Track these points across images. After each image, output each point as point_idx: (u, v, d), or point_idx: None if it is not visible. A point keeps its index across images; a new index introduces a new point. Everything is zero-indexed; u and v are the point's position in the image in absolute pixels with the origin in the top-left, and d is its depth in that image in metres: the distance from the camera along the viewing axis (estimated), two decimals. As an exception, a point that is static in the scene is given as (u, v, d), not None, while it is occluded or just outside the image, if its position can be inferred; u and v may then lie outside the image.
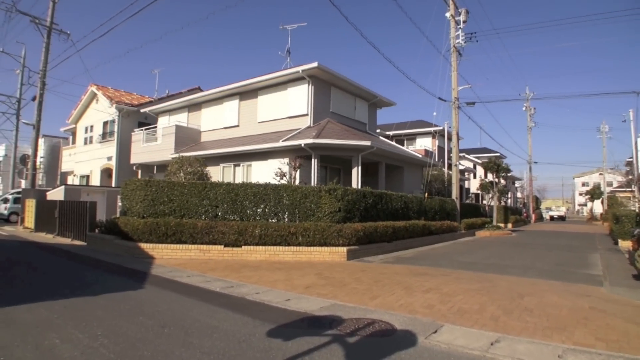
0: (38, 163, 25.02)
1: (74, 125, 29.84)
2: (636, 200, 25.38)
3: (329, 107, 17.70)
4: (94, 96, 26.82)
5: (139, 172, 22.65)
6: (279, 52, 23.90)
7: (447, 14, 20.75)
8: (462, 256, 11.72)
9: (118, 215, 14.05)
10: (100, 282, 7.06)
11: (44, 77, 18.98)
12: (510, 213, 31.16)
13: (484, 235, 19.93)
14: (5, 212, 23.16)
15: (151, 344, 3.90)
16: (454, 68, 20.82)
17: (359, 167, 15.43)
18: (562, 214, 56.19)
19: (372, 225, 11.38)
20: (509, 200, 44.25)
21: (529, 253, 12.80)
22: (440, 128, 28.29)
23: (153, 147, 21.14)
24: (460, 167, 25.64)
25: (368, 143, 14.81)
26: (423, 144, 30.70)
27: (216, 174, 17.46)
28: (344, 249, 10.14)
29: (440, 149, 29.59)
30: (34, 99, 20.74)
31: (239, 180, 16.84)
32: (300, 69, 16.15)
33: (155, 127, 22.49)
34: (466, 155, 42.69)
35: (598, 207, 52.83)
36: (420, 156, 21.77)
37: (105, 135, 25.52)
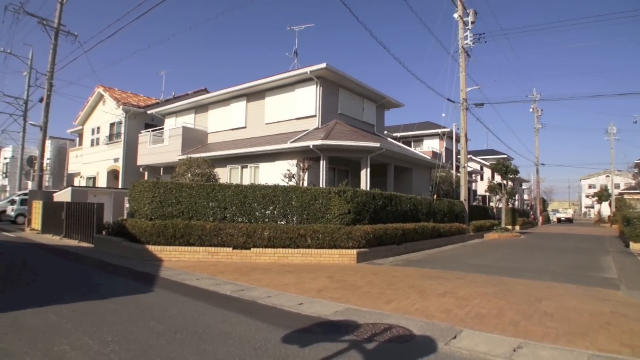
0: (45, 164, 25.09)
1: (80, 127, 29.89)
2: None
3: (337, 108, 17.58)
4: (100, 98, 26.86)
5: (146, 173, 22.61)
6: (286, 54, 23.83)
7: (455, 15, 20.59)
8: (473, 259, 11.56)
9: (125, 216, 13.98)
10: (109, 285, 6.97)
11: (51, 78, 18.97)
12: (518, 215, 30.93)
13: (492, 237, 19.74)
14: (12, 213, 23.18)
15: (163, 351, 3.78)
16: (463, 69, 20.64)
17: (368, 169, 15.28)
18: (569, 216, 55.82)
19: (381, 227, 11.23)
20: (516, 202, 43.94)
21: (540, 256, 12.62)
22: (448, 130, 28.09)
23: (160, 149, 21.09)
24: (468, 169, 25.43)
25: (377, 144, 14.67)
26: (430, 146, 30.52)
27: (223, 175, 17.36)
28: (354, 251, 10.00)
29: (448, 150, 29.40)
30: (41, 100, 20.78)
31: (246, 181, 16.75)
32: (308, 69, 16.04)
33: (162, 128, 22.44)
34: (473, 157, 42.44)
35: (606, 209, 52.45)
36: (428, 158, 21.61)
37: (112, 137, 25.53)
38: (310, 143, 14.33)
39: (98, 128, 27.23)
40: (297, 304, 5.68)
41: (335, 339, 4.22)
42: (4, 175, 43.07)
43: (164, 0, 13.03)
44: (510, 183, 28.26)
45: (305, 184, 13.75)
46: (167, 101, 25.60)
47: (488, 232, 20.32)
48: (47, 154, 30.12)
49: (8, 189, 40.50)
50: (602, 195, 49.34)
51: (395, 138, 27.85)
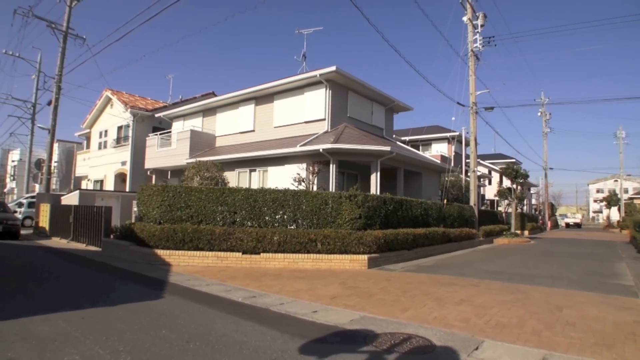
0: (52, 167, 25.10)
1: (88, 130, 29.94)
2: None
3: (346, 111, 17.46)
4: (108, 101, 26.91)
5: (153, 177, 22.58)
6: (294, 57, 23.75)
7: (465, 18, 20.46)
8: (485, 265, 11.37)
9: (133, 220, 13.90)
10: (118, 290, 6.85)
11: (59, 81, 18.99)
12: (527, 220, 30.66)
13: (502, 242, 19.54)
14: (20, 216, 23.18)
15: (177, 361, 3.64)
16: (472, 72, 20.47)
17: (378, 173, 15.14)
18: (578, 221, 55.44)
19: (392, 232, 11.07)
20: (525, 207, 43.57)
21: (553, 262, 12.42)
22: (457, 133, 27.90)
23: (167, 152, 21.07)
24: (477, 173, 25.20)
25: (388, 148, 14.52)
26: (439, 150, 30.31)
27: (232, 179, 17.26)
28: (365, 256, 9.85)
29: (457, 154, 29.19)
30: (49, 103, 20.83)
31: (254, 185, 16.66)
32: (317, 73, 15.94)
33: (170, 132, 22.42)
34: (481, 161, 42.09)
35: (615, 214, 51.95)
36: (438, 162, 21.44)
37: (119, 140, 25.54)
38: (320, 147, 14.20)
39: (106, 131, 27.27)
40: (311, 312, 5.53)
41: (353, 349, 4.07)
42: (12, 178, 43.28)
43: (172, 4, 12.97)
44: (519, 187, 27.99)
45: (315, 188, 13.63)
46: (175, 104, 25.60)
47: (497, 237, 20.12)
48: (55, 157, 30.22)
49: (16, 191, 40.67)
50: (611, 199, 48.88)
51: (403, 142, 27.65)
